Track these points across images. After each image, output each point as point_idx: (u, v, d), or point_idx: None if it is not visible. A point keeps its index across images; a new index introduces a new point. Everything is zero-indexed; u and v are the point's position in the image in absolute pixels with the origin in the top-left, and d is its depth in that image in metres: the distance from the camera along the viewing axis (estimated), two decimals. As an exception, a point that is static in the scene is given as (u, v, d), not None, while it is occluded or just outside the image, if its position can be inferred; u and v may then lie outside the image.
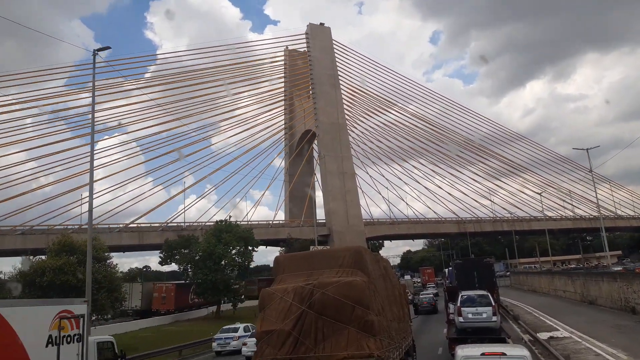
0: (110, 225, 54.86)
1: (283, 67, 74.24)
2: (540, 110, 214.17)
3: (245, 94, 66.67)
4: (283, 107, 72.99)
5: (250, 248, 41.73)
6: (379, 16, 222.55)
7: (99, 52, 18.64)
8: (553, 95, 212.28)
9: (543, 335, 18.27)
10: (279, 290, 9.84)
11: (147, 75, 60.56)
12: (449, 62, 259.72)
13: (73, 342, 10.76)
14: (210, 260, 38.14)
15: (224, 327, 24.90)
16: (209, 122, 62.09)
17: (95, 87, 20.99)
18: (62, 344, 10.51)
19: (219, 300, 41.85)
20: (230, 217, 42.73)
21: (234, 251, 40.08)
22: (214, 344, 23.95)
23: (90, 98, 20.67)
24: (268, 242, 65.19)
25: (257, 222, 64.82)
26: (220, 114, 62.43)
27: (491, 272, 23.94)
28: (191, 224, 58.77)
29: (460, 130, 79.56)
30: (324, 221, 68.90)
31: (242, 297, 42.14)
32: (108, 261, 27.46)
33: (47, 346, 10.12)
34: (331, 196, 68.57)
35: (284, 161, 75.26)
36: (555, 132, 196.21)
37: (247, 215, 63.97)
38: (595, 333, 18.29)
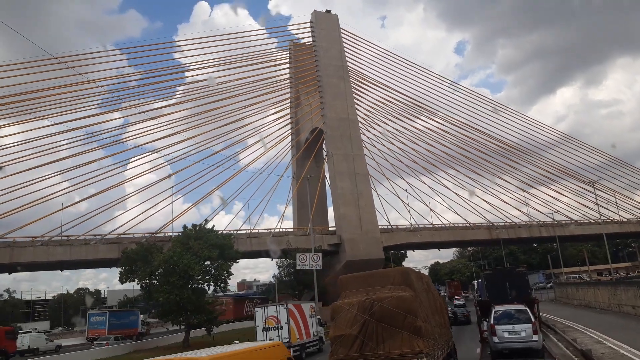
0: (87, 237, 48.72)
1: (288, 64, 67.22)
2: (572, 116, 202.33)
3: (251, 103, 59.58)
4: (289, 108, 65.78)
5: (230, 261, 33.75)
6: (402, 29, 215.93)
7: None
8: (585, 101, 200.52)
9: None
10: (345, 304, 12.15)
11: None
12: (476, 72, 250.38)
13: (314, 317, 25.67)
14: (175, 275, 30.17)
15: None
16: (215, 133, 55.51)
17: None
18: (313, 317, 25.51)
19: (188, 325, 33.47)
20: (206, 221, 34.80)
21: (206, 262, 32.06)
22: None
23: None
24: (267, 254, 57.59)
25: (257, 231, 57.50)
26: (225, 125, 55.93)
27: (525, 282, 22.03)
28: (179, 233, 51.65)
29: (495, 131, 70.37)
30: (334, 229, 60.80)
31: (218, 319, 34.15)
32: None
33: (310, 318, 25.02)
34: (342, 200, 60.21)
35: (290, 165, 67.88)
36: (589, 138, 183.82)
37: (246, 221, 56.62)
38: None
